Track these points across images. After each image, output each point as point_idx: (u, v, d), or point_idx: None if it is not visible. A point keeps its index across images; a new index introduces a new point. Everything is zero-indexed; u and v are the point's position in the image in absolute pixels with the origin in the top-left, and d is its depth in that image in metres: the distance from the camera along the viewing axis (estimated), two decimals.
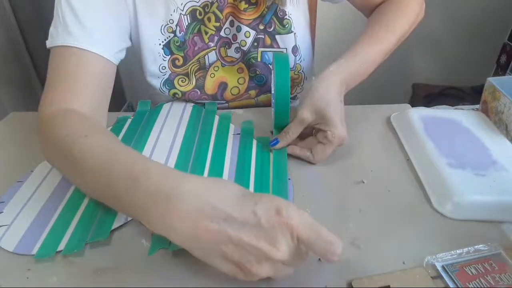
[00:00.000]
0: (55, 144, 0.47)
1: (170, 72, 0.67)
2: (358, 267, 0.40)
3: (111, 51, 0.57)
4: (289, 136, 0.56)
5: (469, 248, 0.41)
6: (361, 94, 0.84)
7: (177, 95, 0.69)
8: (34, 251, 0.42)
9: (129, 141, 0.59)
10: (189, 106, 0.69)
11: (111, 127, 0.64)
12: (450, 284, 0.38)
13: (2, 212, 0.47)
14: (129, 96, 1.69)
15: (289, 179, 0.52)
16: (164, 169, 0.40)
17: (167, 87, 0.68)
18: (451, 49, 1.70)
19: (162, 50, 0.65)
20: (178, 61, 0.66)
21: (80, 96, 0.53)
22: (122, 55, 0.61)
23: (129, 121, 0.65)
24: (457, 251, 0.41)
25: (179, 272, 0.40)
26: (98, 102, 0.55)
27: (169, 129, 0.62)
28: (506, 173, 0.50)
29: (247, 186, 0.50)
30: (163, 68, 0.66)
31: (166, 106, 0.69)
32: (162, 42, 0.64)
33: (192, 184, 0.36)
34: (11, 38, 1.18)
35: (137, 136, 0.60)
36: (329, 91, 0.53)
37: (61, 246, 0.42)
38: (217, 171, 0.53)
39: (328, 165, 0.55)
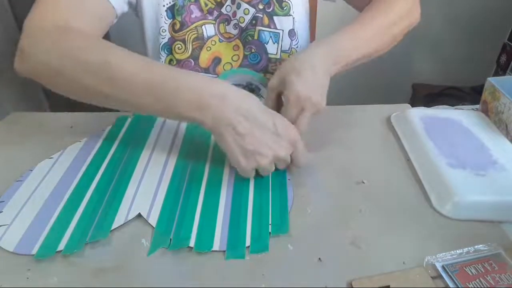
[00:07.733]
0: (66, 52, 0.49)
1: (169, 36, 0.69)
2: (358, 267, 0.40)
3: None
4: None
5: (469, 248, 0.41)
6: (361, 94, 0.84)
7: (172, 63, 0.71)
8: (34, 251, 0.42)
9: (128, 141, 0.59)
10: None
11: (109, 127, 0.63)
12: (450, 284, 0.38)
13: (1, 212, 0.47)
14: None
15: (288, 179, 0.52)
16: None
17: (166, 52, 0.71)
18: (451, 49, 1.70)
19: (165, 13, 0.68)
20: (176, 26, 0.69)
21: (82, 20, 0.55)
22: (125, 8, 0.64)
23: (128, 120, 0.64)
24: (457, 251, 0.41)
25: (179, 272, 0.40)
26: (97, 33, 0.58)
27: (169, 129, 0.62)
28: (506, 173, 0.50)
29: (247, 186, 0.50)
30: (163, 30, 0.69)
31: None
32: (167, 4, 0.68)
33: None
34: (11, 38, 1.18)
35: (136, 136, 0.60)
36: (303, 61, 0.52)
37: (61, 246, 0.42)
38: (217, 169, 0.53)
39: (328, 165, 0.55)
